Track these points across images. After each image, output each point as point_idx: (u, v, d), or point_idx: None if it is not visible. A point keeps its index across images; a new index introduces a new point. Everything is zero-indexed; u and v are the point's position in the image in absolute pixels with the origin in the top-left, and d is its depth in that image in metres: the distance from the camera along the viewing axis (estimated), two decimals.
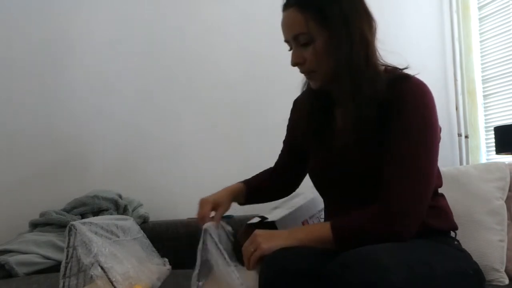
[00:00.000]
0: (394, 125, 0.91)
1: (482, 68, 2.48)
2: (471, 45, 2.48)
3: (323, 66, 0.98)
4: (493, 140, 2.06)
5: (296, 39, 0.97)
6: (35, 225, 1.76)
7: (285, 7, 0.99)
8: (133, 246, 1.36)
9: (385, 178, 0.90)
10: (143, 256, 1.38)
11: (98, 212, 1.81)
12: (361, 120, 0.93)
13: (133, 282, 1.12)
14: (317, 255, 0.92)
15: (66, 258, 1.07)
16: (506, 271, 1.48)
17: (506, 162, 1.65)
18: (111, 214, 1.79)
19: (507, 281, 1.46)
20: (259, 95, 2.14)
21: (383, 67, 1.01)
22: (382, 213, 0.88)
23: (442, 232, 1.00)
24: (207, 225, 1.12)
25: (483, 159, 2.45)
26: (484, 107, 2.47)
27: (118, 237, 1.27)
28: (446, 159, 2.44)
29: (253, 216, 1.37)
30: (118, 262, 1.12)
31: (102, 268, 1.03)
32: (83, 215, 1.79)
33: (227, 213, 1.20)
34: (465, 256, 0.98)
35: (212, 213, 1.14)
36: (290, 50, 1.02)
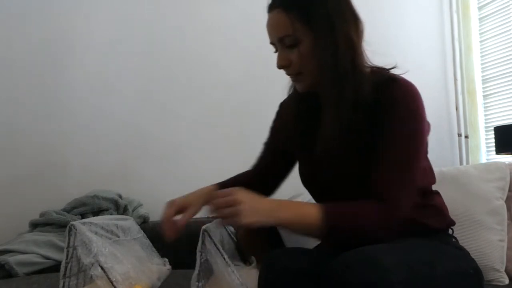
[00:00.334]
0: (383, 129, 0.91)
1: (482, 68, 2.48)
2: (471, 45, 2.48)
3: (309, 68, 0.96)
4: (493, 140, 2.06)
5: (281, 41, 0.96)
6: (35, 225, 1.76)
7: (270, 8, 0.98)
8: (133, 246, 1.36)
9: (375, 179, 0.90)
10: (143, 256, 1.38)
11: (98, 212, 1.81)
12: (345, 124, 0.92)
13: (133, 282, 1.12)
14: (317, 254, 0.93)
15: (66, 258, 1.07)
16: (506, 271, 1.48)
17: (506, 162, 1.65)
18: (111, 214, 1.79)
19: (507, 281, 1.46)
20: (259, 95, 2.14)
21: (369, 69, 0.98)
22: (379, 206, 0.87)
23: (440, 230, 1.00)
24: (207, 225, 1.12)
25: (483, 159, 2.45)
26: (484, 107, 2.47)
27: (118, 237, 1.27)
28: (446, 159, 2.44)
29: None
30: (118, 262, 1.12)
31: (102, 268, 1.03)
32: (83, 215, 1.79)
33: None
34: (464, 254, 0.98)
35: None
36: (275, 52, 1.01)
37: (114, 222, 1.31)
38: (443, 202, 1.06)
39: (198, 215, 1.02)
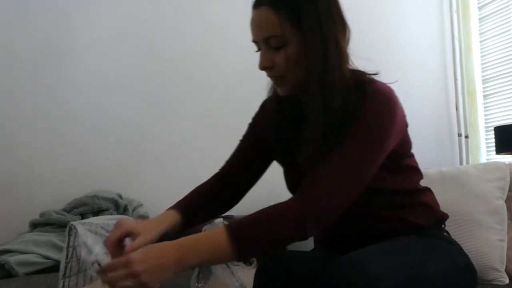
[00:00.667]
0: (345, 130, 0.86)
1: (482, 68, 2.48)
2: (471, 45, 2.49)
3: (293, 72, 0.91)
4: (493, 140, 2.06)
5: (267, 41, 0.91)
6: (35, 225, 1.76)
7: (257, 4, 0.92)
8: None
9: (313, 175, 0.85)
10: None
11: (98, 212, 1.81)
12: (330, 133, 0.87)
13: None
14: (312, 260, 0.92)
15: (66, 258, 1.07)
16: (506, 270, 1.49)
17: (506, 162, 1.65)
18: (111, 214, 1.79)
19: (507, 281, 1.47)
20: (259, 95, 2.13)
21: (350, 71, 0.93)
22: (293, 204, 0.82)
23: (430, 227, 0.99)
24: (207, 226, 1.12)
25: (483, 159, 2.45)
26: (484, 107, 2.48)
27: None
28: (446, 159, 2.44)
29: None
30: None
31: (102, 267, 1.03)
32: (83, 215, 1.79)
33: (228, 213, 1.18)
34: (456, 248, 0.98)
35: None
36: (257, 51, 0.96)
37: (114, 222, 1.31)
38: (433, 198, 1.04)
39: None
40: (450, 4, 2.52)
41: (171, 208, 1.02)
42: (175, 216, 1.00)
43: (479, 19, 2.50)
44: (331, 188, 0.82)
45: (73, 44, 2.08)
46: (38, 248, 1.55)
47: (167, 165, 2.12)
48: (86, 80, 2.08)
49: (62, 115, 2.04)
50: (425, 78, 2.48)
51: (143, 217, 1.88)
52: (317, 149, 0.88)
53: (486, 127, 2.46)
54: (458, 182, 1.61)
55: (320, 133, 0.88)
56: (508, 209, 1.56)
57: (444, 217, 1.03)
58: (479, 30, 2.49)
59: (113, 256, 0.85)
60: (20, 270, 1.47)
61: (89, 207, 1.79)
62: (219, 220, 1.24)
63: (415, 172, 1.01)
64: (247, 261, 1.38)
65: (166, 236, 0.93)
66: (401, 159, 0.95)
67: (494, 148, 2.08)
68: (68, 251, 1.06)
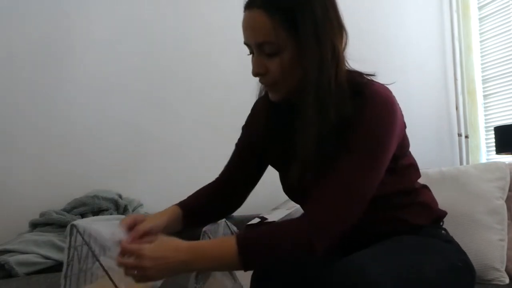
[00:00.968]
0: (346, 139, 0.84)
1: (482, 68, 2.48)
2: (471, 45, 2.49)
3: (288, 79, 0.88)
4: (493, 140, 2.06)
5: (260, 47, 0.87)
6: (35, 225, 1.76)
7: (249, 6, 0.87)
8: None
9: (318, 192, 0.84)
10: None
11: (98, 212, 1.81)
12: (325, 144, 0.85)
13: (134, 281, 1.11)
14: (310, 262, 0.92)
15: (68, 258, 1.07)
16: (507, 270, 1.49)
17: (506, 162, 1.66)
18: (111, 214, 1.79)
19: (507, 281, 1.47)
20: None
21: (347, 73, 0.90)
22: (300, 225, 0.82)
23: (427, 226, 0.98)
24: (207, 227, 1.12)
25: (483, 159, 2.45)
26: (484, 107, 2.48)
27: None
28: (446, 159, 2.44)
29: (253, 217, 1.37)
30: None
31: (103, 267, 1.03)
32: (83, 215, 1.79)
33: None
34: (453, 247, 0.97)
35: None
36: (249, 54, 0.92)
37: (114, 222, 1.31)
38: (431, 196, 1.03)
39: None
40: (450, 4, 2.52)
41: (174, 205, 1.05)
42: (176, 211, 1.03)
43: (479, 19, 2.50)
44: (338, 206, 0.82)
45: (73, 44, 2.08)
46: (38, 248, 1.55)
47: (167, 165, 2.12)
48: (86, 80, 2.08)
49: (62, 115, 2.04)
50: (425, 78, 2.48)
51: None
52: (312, 163, 0.86)
53: (486, 127, 2.46)
54: (458, 182, 1.61)
55: (313, 151, 0.85)
56: (508, 209, 1.56)
57: (442, 214, 1.03)
58: (479, 30, 2.49)
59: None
60: (20, 270, 1.47)
61: (89, 207, 1.79)
62: (220, 220, 1.24)
63: (413, 170, 1.00)
64: None
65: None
66: (399, 159, 0.94)
67: (494, 148, 2.08)
68: (69, 250, 1.06)
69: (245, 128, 1.16)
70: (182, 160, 2.14)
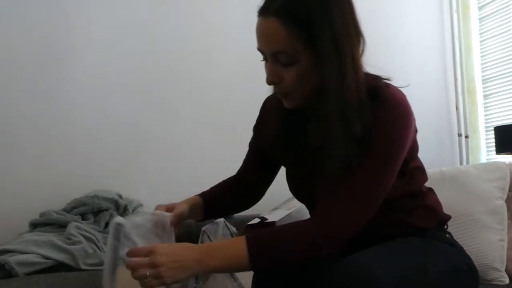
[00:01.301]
0: (359, 142, 0.83)
1: (482, 68, 2.48)
2: (471, 45, 2.48)
3: (303, 90, 0.86)
4: (493, 140, 2.06)
5: (275, 56, 0.84)
6: (35, 225, 1.75)
7: (264, 12, 0.83)
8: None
9: (330, 195, 0.84)
10: None
11: (98, 212, 1.81)
12: (350, 152, 0.83)
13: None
14: (313, 262, 0.92)
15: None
16: (506, 270, 1.49)
17: (506, 162, 1.66)
18: (111, 214, 1.79)
19: (507, 281, 1.47)
20: (259, 95, 2.13)
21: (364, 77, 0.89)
22: (310, 228, 0.82)
23: (431, 229, 0.98)
24: (206, 226, 1.12)
25: (483, 159, 2.45)
26: (484, 107, 2.48)
27: None
28: (446, 159, 2.44)
29: (253, 217, 1.36)
30: None
31: None
32: (83, 215, 1.79)
33: None
34: (458, 250, 0.97)
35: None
36: (263, 60, 0.89)
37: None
38: (436, 199, 1.04)
39: None
40: (450, 4, 2.52)
41: (196, 195, 1.11)
42: (199, 201, 1.08)
43: (479, 19, 2.50)
44: (350, 211, 0.82)
45: (73, 44, 2.08)
46: (38, 248, 1.55)
47: (167, 165, 2.12)
48: (86, 80, 2.08)
49: (62, 115, 2.04)
50: (425, 78, 2.48)
51: None
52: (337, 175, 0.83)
53: (486, 127, 2.46)
54: (458, 182, 1.61)
55: (340, 166, 0.82)
56: (508, 209, 1.56)
57: (447, 218, 1.03)
58: (479, 30, 2.49)
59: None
60: (20, 270, 1.47)
61: (89, 207, 1.79)
62: (220, 220, 1.24)
63: (421, 172, 1.00)
64: None
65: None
66: (409, 162, 0.94)
67: (494, 148, 2.08)
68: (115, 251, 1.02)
69: (256, 129, 1.16)
70: (182, 160, 2.14)
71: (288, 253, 0.82)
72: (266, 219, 1.28)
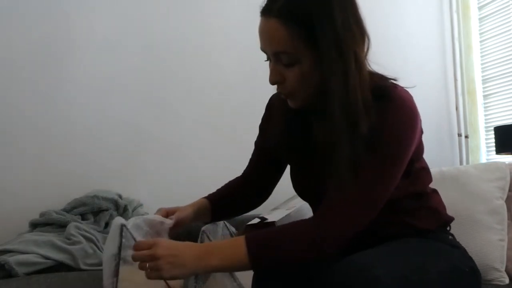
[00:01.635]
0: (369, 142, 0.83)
1: (482, 68, 2.48)
2: (471, 45, 2.48)
3: (306, 90, 0.86)
4: (493, 140, 2.06)
5: (277, 56, 0.84)
6: (35, 225, 1.75)
7: (265, 13, 0.84)
8: None
9: (332, 196, 0.83)
10: None
11: (98, 212, 1.80)
12: (356, 152, 0.82)
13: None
14: (312, 265, 0.91)
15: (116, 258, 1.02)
16: (506, 270, 1.49)
17: (506, 162, 1.66)
18: (111, 214, 1.79)
19: (507, 281, 1.47)
20: (259, 95, 2.12)
21: (369, 76, 0.88)
22: (310, 228, 0.83)
23: (434, 230, 0.98)
24: (206, 226, 1.12)
25: (483, 159, 2.45)
26: (484, 107, 2.48)
27: None
28: (446, 159, 2.44)
29: (253, 217, 1.36)
30: None
31: None
32: (83, 215, 1.79)
33: None
34: (460, 252, 0.96)
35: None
36: (266, 61, 0.89)
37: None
38: (440, 201, 1.04)
39: None
40: (450, 4, 2.52)
41: (202, 198, 1.11)
42: (205, 204, 1.09)
43: (479, 19, 2.50)
44: (351, 211, 0.82)
45: (73, 44, 2.08)
46: (38, 248, 1.55)
47: (167, 165, 2.12)
48: (86, 80, 2.08)
49: (62, 115, 2.04)
50: (425, 78, 2.48)
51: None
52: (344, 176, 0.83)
53: (486, 127, 2.46)
54: (458, 182, 1.61)
55: (347, 163, 0.82)
56: (508, 209, 1.56)
57: (450, 220, 1.02)
58: (479, 30, 2.49)
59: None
60: (20, 270, 1.47)
61: (89, 207, 1.79)
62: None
63: (426, 173, 1.00)
64: None
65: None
66: (414, 163, 0.94)
67: (494, 148, 2.08)
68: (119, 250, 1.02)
69: (261, 128, 1.16)
70: (182, 160, 2.14)
71: (288, 253, 0.82)
72: (266, 219, 1.28)
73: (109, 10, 2.14)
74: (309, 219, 0.85)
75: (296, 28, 0.80)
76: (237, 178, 1.18)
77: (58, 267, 1.51)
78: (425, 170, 1.00)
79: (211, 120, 2.18)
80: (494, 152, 2.10)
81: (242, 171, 1.21)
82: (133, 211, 1.89)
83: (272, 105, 1.12)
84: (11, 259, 1.47)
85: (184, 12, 2.21)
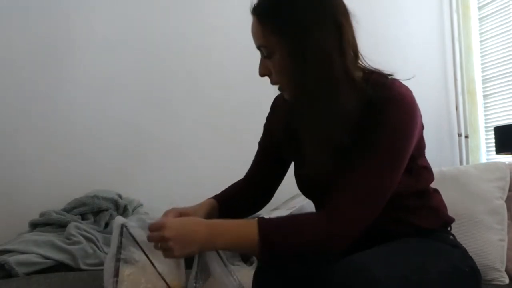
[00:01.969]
0: (366, 138, 0.86)
1: (482, 68, 2.48)
2: (471, 45, 2.49)
3: (285, 81, 0.93)
4: (493, 140, 2.06)
5: (260, 50, 0.94)
6: (35, 225, 1.75)
7: (251, 12, 0.94)
8: None
9: (338, 192, 0.85)
10: None
11: (98, 212, 1.80)
12: (336, 132, 0.86)
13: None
14: (313, 261, 0.92)
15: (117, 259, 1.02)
16: (506, 270, 1.49)
17: (506, 162, 1.66)
18: (111, 214, 1.79)
19: (507, 281, 1.47)
20: (259, 95, 2.12)
21: (362, 73, 0.92)
22: (321, 220, 0.84)
23: (435, 230, 0.98)
24: None
25: (483, 159, 2.45)
26: (484, 107, 2.48)
27: None
28: (446, 159, 2.44)
29: (253, 217, 1.36)
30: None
31: (150, 260, 1.00)
32: (83, 215, 1.79)
33: None
34: (460, 252, 0.97)
35: None
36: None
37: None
38: (441, 200, 1.04)
39: None
40: (450, 4, 2.52)
41: (210, 198, 1.12)
42: (213, 204, 1.09)
43: (479, 19, 2.50)
44: (361, 204, 0.84)
45: (73, 44, 2.08)
46: (38, 248, 1.55)
47: (167, 165, 2.12)
48: (86, 80, 2.08)
49: (62, 115, 2.04)
50: (425, 78, 2.48)
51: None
52: (324, 167, 0.87)
53: (486, 127, 2.46)
54: (458, 182, 1.61)
55: (326, 156, 0.87)
56: (508, 209, 1.56)
57: (450, 220, 1.03)
58: (479, 30, 2.49)
59: None
60: (20, 270, 1.47)
61: (89, 207, 1.79)
62: None
63: (427, 172, 1.01)
64: (247, 261, 1.38)
65: None
66: (417, 159, 0.95)
67: (494, 148, 2.08)
68: (118, 250, 1.02)
69: (266, 126, 1.18)
70: (182, 160, 2.14)
71: (298, 243, 0.83)
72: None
73: (109, 10, 2.14)
74: (321, 212, 0.87)
75: (269, 23, 0.89)
76: (240, 181, 1.19)
77: (58, 267, 1.51)
78: (427, 169, 1.01)
79: (211, 120, 2.18)
80: (494, 152, 2.10)
81: (242, 171, 1.20)
82: (133, 211, 1.89)
83: (276, 105, 1.15)
84: (11, 259, 1.47)
85: (184, 12, 2.21)
